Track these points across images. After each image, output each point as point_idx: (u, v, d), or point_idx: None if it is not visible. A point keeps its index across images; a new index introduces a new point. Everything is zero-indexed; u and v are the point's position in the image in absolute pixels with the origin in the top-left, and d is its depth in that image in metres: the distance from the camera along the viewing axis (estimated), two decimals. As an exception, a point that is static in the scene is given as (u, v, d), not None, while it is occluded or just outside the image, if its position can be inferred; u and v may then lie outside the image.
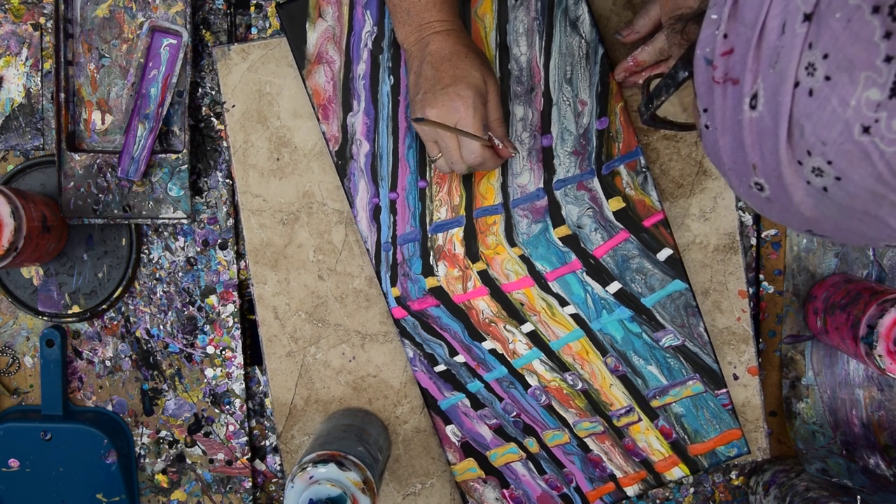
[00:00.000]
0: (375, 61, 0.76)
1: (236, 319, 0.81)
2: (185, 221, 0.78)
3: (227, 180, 0.80)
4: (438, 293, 0.77)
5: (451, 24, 0.68)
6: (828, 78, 0.29)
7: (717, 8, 0.34)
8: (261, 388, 0.83)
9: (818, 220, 0.34)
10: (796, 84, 0.30)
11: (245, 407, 0.81)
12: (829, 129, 0.29)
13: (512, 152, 0.70)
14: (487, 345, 0.77)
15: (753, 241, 0.81)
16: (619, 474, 0.78)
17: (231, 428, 0.81)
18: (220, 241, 0.80)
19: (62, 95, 0.76)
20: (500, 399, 0.78)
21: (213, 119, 0.80)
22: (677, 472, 0.78)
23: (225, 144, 0.80)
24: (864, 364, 0.75)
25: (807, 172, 0.31)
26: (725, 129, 0.35)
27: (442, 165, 0.70)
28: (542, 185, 0.76)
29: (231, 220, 0.80)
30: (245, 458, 0.81)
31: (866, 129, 0.28)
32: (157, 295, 0.80)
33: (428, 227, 0.77)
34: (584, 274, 0.76)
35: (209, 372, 0.81)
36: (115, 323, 0.81)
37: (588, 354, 0.77)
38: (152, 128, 0.77)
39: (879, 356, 0.68)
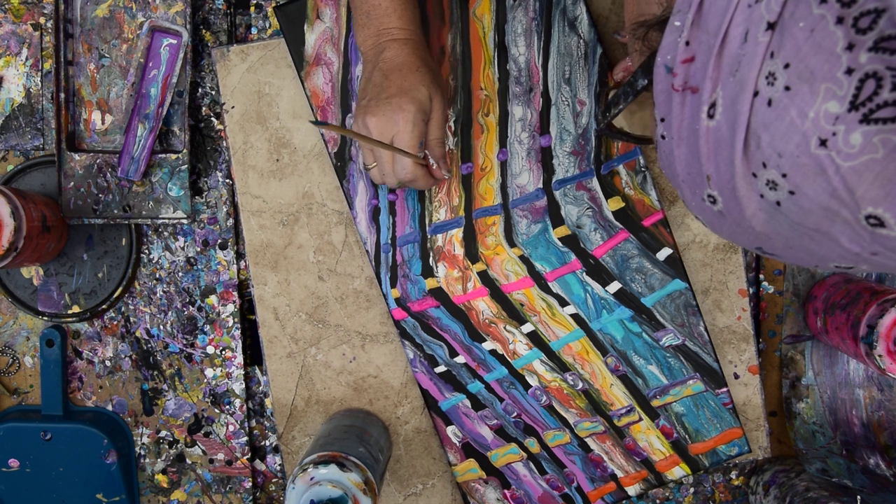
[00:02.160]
0: (375, 61, 0.76)
1: (236, 319, 0.81)
2: (185, 221, 0.78)
3: (227, 180, 0.80)
4: (438, 294, 0.77)
5: (410, 34, 0.67)
6: (788, 88, 0.28)
7: (680, 15, 0.34)
8: (261, 388, 0.83)
9: (769, 236, 0.33)
10: (756, 93, 0.30)
11: (245, 407, 0.81)
12: (786, 140, 0.29)
13: (445, 174, 0.69)
14: (488, 345, 0.77)
15: (753, 241, 0.81)
16: (620, 474, 0.78)
17: (231, 428, 0.81)
18: (220, 241, 0.80)
19: (62, 95, 0.76)
20: (501, 399, 0.78)
21: (213, 119, 0.80)
22: (678, 471, 0.78)
23: (225, 145, 0.80)
24: (864, 364, 0.75)
25: (761, 185, 0.31)
26: (682, 139, 0.35)
27: (375, 175, 0.69)
28: (541, 186, 0.76)
29: (231, 221, 0.80)
30: (245, 458, 0.81)
31: (823, 143, 0.28)
32: (157, 295, 0.80)
33: (427, 228, 0.77)
34: (584, 274, 0.76)
35: (209, 372, 0.81)
36: (115, 323, 0.81)
37: (588, 354, 0.77)
38: (152, 128, 0.77)
39: (879, 356, 0.68)
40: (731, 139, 0.31)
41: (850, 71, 0.26)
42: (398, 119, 0.63)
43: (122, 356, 0.81)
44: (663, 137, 0.36)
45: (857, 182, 0.27)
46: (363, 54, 0.68)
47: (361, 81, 0.68)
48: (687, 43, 0.33)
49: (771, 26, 0.29)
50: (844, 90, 0.27)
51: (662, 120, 0.36)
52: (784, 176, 0.29)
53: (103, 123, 0.78)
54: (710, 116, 0.32)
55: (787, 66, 0.28)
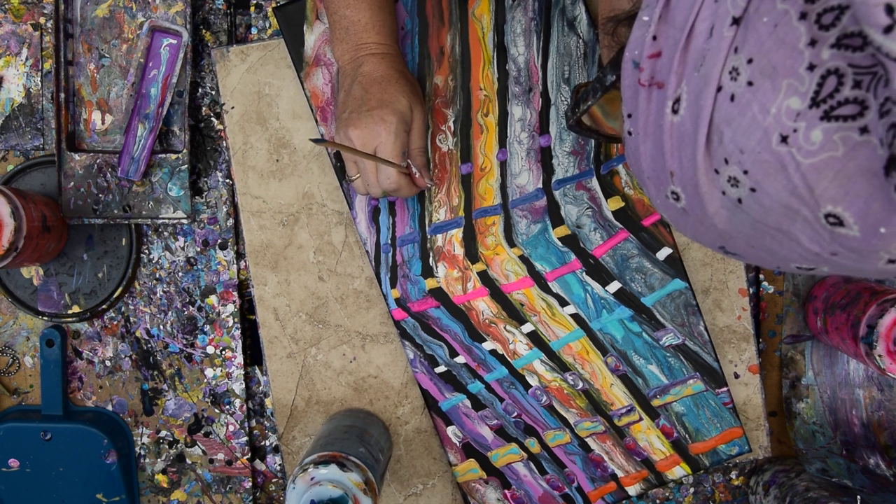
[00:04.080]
0: (375, 61, 0.76)
1: (236, 319, 0.81)
2: (185, 221, 0.78)
3: (227, 180, 0.80)
4: (438, 294, 0.77)
5: (388, 48, 0.68)
6: (750, 83, 0.28)
7: (648, 10, 0.34)
8: (261, 388, 0.83)
9: (731, 234, 0.33)
10: (719, 88, 0.30)
11: (245, 407, 0.81)
12: (747, 136, 0.29)
13: (428, 183, 0.70)
14: (488, 345, 0.77)
15: (753, 241, 0.81)
16: (620, 474, 0.78)
17: (231, 428, 0.81)
18: (220, 241, 0.80)
19: (62, 95, 0.76)
20: (501, 400, 0.78)
21: (213, 119, 0.80)
22: (679, 471, 0.78)
23: (225, 145, 0.80)
24: (864, 364, 0.75)
25: (723, 182, 0.31)
26: (647, 135, 0.35)
27: (359, 186, 0.69)
28: (540, 186, 0.76)
29: (231, 221, 0.80)
30: (245, 458, 0.81)
31: (784, 139, 0.27)
32: (157, 295, 0.80)
33: (427, 228, 0.77)
34: (584, 274, 0.76)
35: (209, 372, 0.81)
36: (115, 323, 0.81)
37: (588, 354, 0.77)
38: (152, 128, 0.77)
39: (879, 356, 0.68)
40: (694, 134, 0.31)
41: (811, 67, 0.26)
42: (380, 130, 0.65)
43: (122, 356, 0.81)
44: (630, 134, 0.36)
45: (816, 180, 0.27)
46: (341, 68, 0.69)
47: (340, 95, 0.69)
48: (654, 38, 0.33)
49: (736, 21, 0.29)
50: (806, 86, 0.27)
51: (630, 116, 0.36)
52: (745, 173, 0.29)
53: (103, 123, 0.78)
54: (675, 111, 0.32)
55: (750, 61, 0.28)
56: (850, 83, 0.26)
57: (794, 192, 0.28)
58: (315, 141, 0.55)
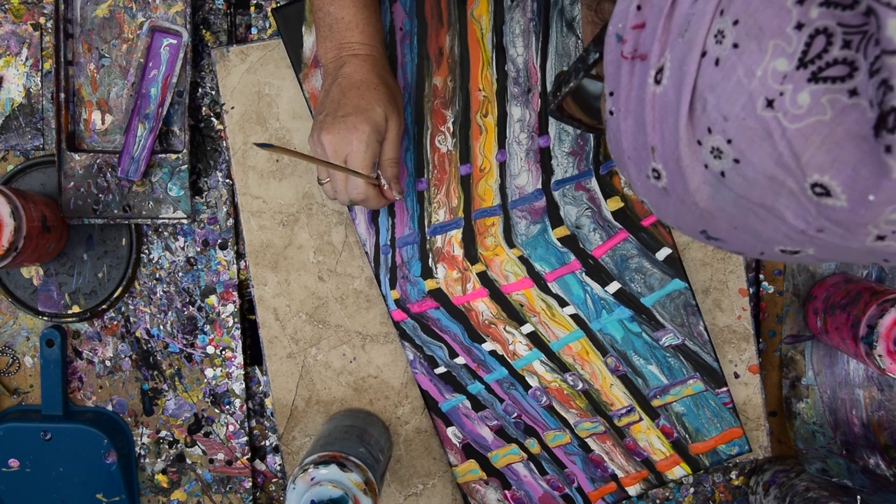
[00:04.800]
0: (375, 62, 0.76)
1: (236, 319, 0.81)
2: (185, 221, 0.78)
3: (227, 180, 0.80)
4: (438, 295, 0.77)
5: (371, 50, 0.67)
6: (736, 45, 0.27)
7: None
8: (261, 388, 0.83)
9: (713, 214, 0.32)
10: (703, 53, 0.29)
11: (245, 407, 0.81)
12: (732, 102, 0.28)
13: (396, 196, 0.69)
14: (487, 346, 0.77)
15: (753, 241, 0.81)
16: (620, 474, 0.78)
17: (231, 428, 0.81)
18: (220, 241, 0.80)
19: (62, 95, 0.76)
20: (501, 400, 0.78)
21: (213, 119, 0.80)
22: (679, 471, 0.78)
23: (225, 145, 0.80)
24: (864, 364, 0.75)
25: (705, 154, 0.30)
26: (629, 112, 0.33)
27: (327, 191, 0.69)
28: (540, 186, 0.76)
29: (231, 221, 0.80)
30: (245, 458, 0.81)
31: (770, 103, 0.26)
32: (157, 295, 0.80)
33: (426, 229, 0.77)
34: (584, 274, 0.76)
35: (209, 372, 0.81)
36: (115, 323, 0.81)
37: (588, 355, 0.77)
38: (152, 128, 0.77)
39: (879, 356, 0.68)
40: (677, 104, 0.30)
41: (799, 26, 0.26)
42: (352, 139, 0.63)
43: (122, 356, 0.81)
44: (612, 113, 0.35)
45: (803, 146, 0.26)
46: (324, 67, 0.69)
47: (320, 94, 0.68)
48: (638, 7, 0.32)
49: None
50: (793, 46, 0.26)
51: (611, 94, 0.35)
52: (729, 142, 0.28)
53: (103, 123, 0.78)
54: (657, 82, 0.31)
55: (736, 22, 0.27)
56: (839, 43, 0.25)
57: (779, 161, 0.27)
58: (261, 146, 0.51)
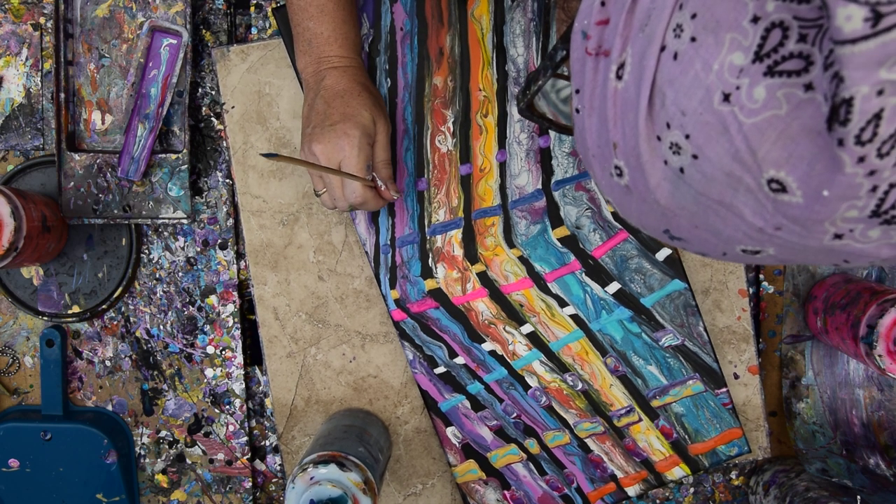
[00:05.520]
0: (372, 64, 0.76)
1: (236, 319, 0.81)
2: (185, 221, 0.78)
3: (227, 180, 0.80)
4: (437, 295, 0.77)
5: (350, 61, 0.69)
6: (693, 39, 0.27)
7: None
8: (261, 388, 0.83)
9: (674, 212, 0.31)
10: (663, 48, 0.29)
11: (245, 407, 0.81)
12: (689, 96, 0.28)
13: (394, 195, 0.69)
14: (487, 346, 0.77)
15: (753, 242, 0.81)
16: (619, 474, 0.78)
17: (231, 428, 0.81)
18: (220, 241, 0.80)
19: (62, 95, 0.76)
20: (501, 400, 0.78)
21: (213, 119, 0.80)
22: (678, 471, 0.78)
23: (225, 145, 0.80)
24: (864, 364, 0.75)
25: (664, 150, 0.30)
26: (593, 108, 0.33)
27: (326, 201, 0.69)
28: (540, 186, 0.76)
29: (231, 220, 0.80)
30: (245, 458, 0.81)
31: (727, 97, 0.26)
32: (157, 295, 0.80)
33: (426, 229, 0.77)
34: (584, 274, 0.76)
35: (209, 372, 0.81)
36: (115, 323, 0.81)
37: (588, 355, 0.77)
38: (152, 128, 0.77)
39: (879, 356, 0.68)
40: (637, 99, 0.30)
41: (756, 19, 0.25)
42: (343, 144, 0.64)
43: (122, 356, 0.81)
44: (577, 111, 0.35)
45: (759, 141, 0.26)
46: (305, 81, 0.70)
47: (304, 109, 0.69)
48: (602, 3, 0.32)
49: None
50: (749, 40, 0.26)
51: (577, 91, 0.34)
52: (687, 137, 0.28)
53: (103, 123, 0.78)
54: (619, 77, 0.31)
55: (693, 16, 0.27)
56: (794, 36, 0.25)
57: (736, 157, 0.27)
58: (266, 155, 0.53)
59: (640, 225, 0.35)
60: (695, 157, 0.28)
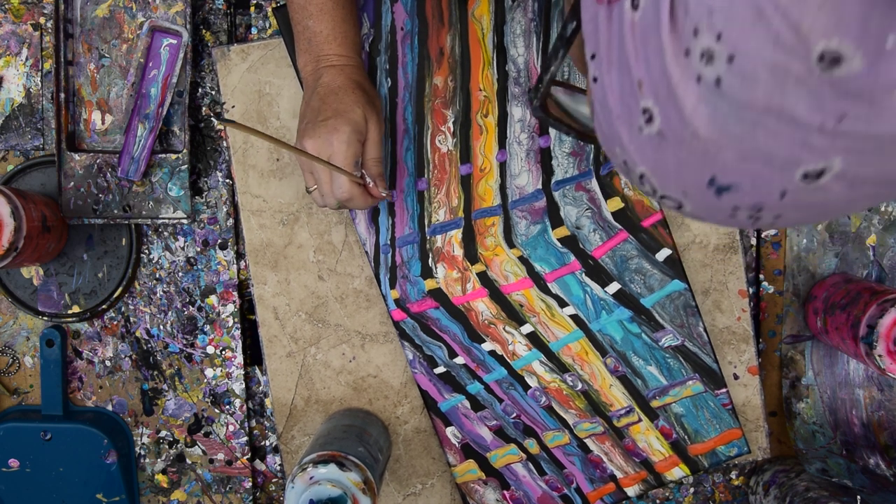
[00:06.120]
0: (373, 63, 0.76)
1: (236, 319, 0.81)
2: (185, 221, 0.78)
3: (227, 180, 0.80)
4: (437, 295, 0.77)
5: (349, 60, 0.69)
6: None
7: None
8: (261, 388, 0.83)
9: (718, 144, 0.28)
10: None
11: (245, 407, 0.81)
12: None
13: (384, 193, 0.68)
14: (487, 346, 0.77)
15: (753, 241, 0.81)
16: (619, 475, 0.78)
17: (231, 428, 0.81)
18: (220, 241, 0.80)
19: (62, 95, 0.76)
20: (500, 400, 0.78)
21: (213, 119, 0.80)
22: (678, 472, 0.78)
23: (225, 144, 0.80)
24: (864, 364, 0.75)
25: (696, 63, 0.27)
26: (612, 62, 0.31)
27: (317, 197, 0.69)
28: (540, 187, 0.76)
29: (231, 220, 0.80)
30: (245, 458, 0.81)
31: None
32: (157, 295, 0.81)
33: (426, 229, 0.77)
34: (584, 275, 0.76)
35: (209, 372, 0.81)
36: (115, 323, 0.81)
37: (588, 355, 0.77)
38: (152, 128, 0.77)
39: (879, 356, 0.68)
40: (657, 18, 0.28)
41: None
42: (333, 140, 0.64)
43: (122, 356, 0.81)
44: (595, 80, 0.33)
45: (800, 13, 0.24)
46: (304, 79, 0.70)
47: (301, 107, 0.69)
48: None
49: None
50: None
51: (593, 57, 0.32)
52: (719, 38, 0.26)
53: (103, 123, 0.78)
54: (634, 7, 0.29)
55: None
56: None
57: (777, 42, 0.24)
58: (221, 119, 0.51)
59: (681, 188, 0.31)
60: (730, 59, 0.26)
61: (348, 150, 0.65)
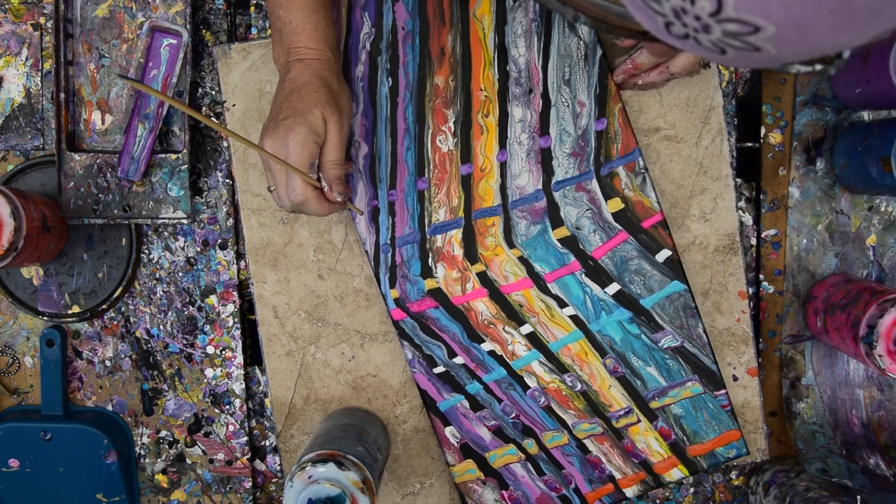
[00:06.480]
0: (374, 63, 0.76)
1: (236, 319, 0.81)
2: (185, 221, 0.78)
3: (227, 180, 0.80)
4: (437, 295, 0.77)
5: (318, 54, 0.66)
6: None
7: None
8: (261, 387, 0.83)
9: None
10: None
11: (245, 407, 0.82)
12: None
13: (338, 197, 0.66)
14: (486, 346, 0.77)
15: (753, 242, 0.81)
16: (618, 475, 0.78)
17: (231, 428, 0.81)
18: (220, 241, 0.80)
19: (62, 95, 0.76)
20: (500, 400, 0.78)
21: (213, 119, 0.80)
22: (676, 473, 0.78)
23: (225, 144, 0.80)
24: (864, 364, 0.75)
25: None
26: None
27: (275, 198, 0.67)
28: (540, 187, 0.76)
29: (231, 220, 0.80)
30: (245, 458, 0.82)
31: None
32: (157, 295, 0.81)
33: (427, 228, 0.77)
34: (583, 275, 0.76)
35: (209, 372, 0.81)
36: (115, 323, 0.81)
37: (587, 356, 0.77)
38: (152, 128, 0.77)
39: (879, 356, 0.68)
40: None
41: None
42: (288, 141, 0.63)
43: (122, 356, 0.81)
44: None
45: None
46: (278, 71, 0.68)
47: (272, 100, 0.68)
48: None
49: None
50: None
51: None
52: None
53: (103, 123, 0.79)
54: None
55: None
56: None
57: None
58: (123, 77, 0.51)
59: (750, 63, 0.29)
60: None
61: (303, 152, 0.63)
